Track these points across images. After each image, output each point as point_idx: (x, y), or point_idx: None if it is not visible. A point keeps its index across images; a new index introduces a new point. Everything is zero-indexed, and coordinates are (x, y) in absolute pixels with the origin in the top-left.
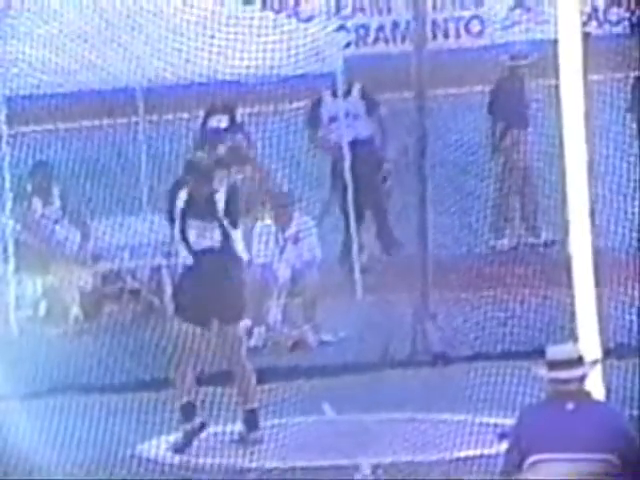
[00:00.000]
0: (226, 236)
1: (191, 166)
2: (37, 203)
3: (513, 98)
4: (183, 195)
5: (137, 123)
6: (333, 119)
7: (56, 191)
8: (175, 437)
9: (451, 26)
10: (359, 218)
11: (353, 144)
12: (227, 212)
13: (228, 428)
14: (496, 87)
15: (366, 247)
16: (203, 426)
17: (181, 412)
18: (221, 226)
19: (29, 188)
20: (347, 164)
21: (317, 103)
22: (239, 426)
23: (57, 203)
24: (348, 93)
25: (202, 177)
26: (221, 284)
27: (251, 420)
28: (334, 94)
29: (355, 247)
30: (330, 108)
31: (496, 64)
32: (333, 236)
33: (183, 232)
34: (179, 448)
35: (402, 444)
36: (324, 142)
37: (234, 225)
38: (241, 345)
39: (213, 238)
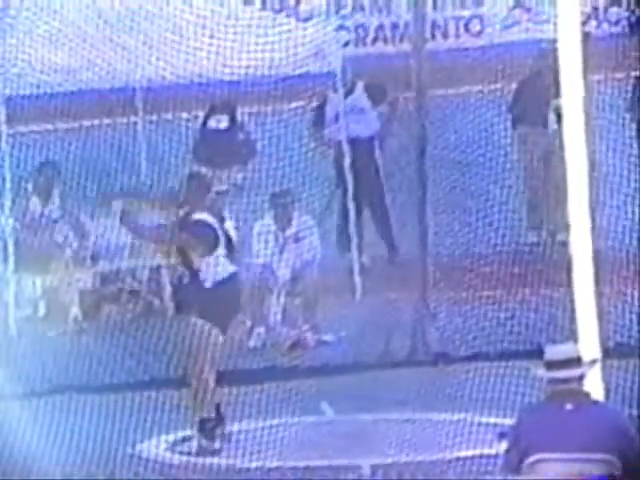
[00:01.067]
0: None
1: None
2: (36, 202)
3: (535, 97)
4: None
5: (136, 123)
6: (338, 116)
7: (55, 190)
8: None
9: (451, 26)
10: (362, 216)
11: (358, 140)
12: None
13: (227, 428)
14: (520, 86)
15: (368, 247)
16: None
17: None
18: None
19: (29, 188)
20: (350, 161)
21: (322, 104)
22: (237, 426)
23: (56, 203)
24: (351, 90)
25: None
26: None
27: (207, 429)
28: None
29: (354, 246)
30: (335, 106)
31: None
32: (335, 235)
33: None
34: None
35: (401, 444)
36: (329, 140)
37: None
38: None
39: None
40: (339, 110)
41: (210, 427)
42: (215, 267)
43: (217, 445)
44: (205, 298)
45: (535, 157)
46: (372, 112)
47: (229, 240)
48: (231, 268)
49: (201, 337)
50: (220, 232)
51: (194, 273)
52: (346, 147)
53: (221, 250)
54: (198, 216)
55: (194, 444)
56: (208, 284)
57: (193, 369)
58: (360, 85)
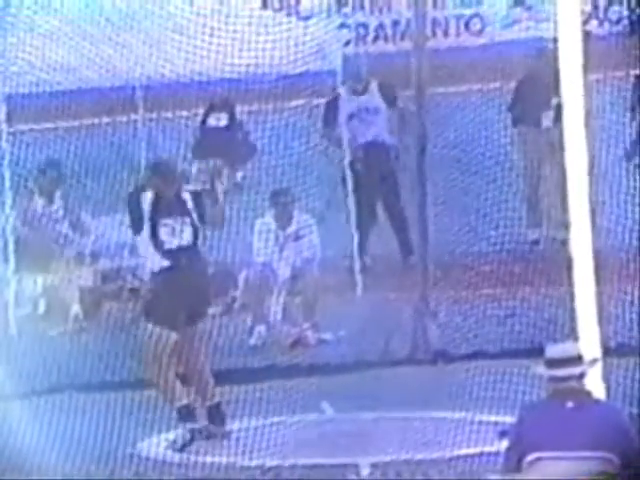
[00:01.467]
0: (196, 235)
1: (157, 167)
2: (37, 201)
3: (536, 94)
4: (149, 196)
5: (136, 121)
6: (351, 116)
7: (56, 189)
8: (177, 436)
9: (451, 24)
10: (373, 216)
11: (374, 141)
12: (196, 210)
13: (227, 426)
14: (519, 84)
15: (370, 246)
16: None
17: (179, 414)
18: (192, 224)
19: (29, 186)
20: (365, 162)
21: (333, 101)
22: (237, 424)
23: (57, 201)
24: (365, 90)
25: (168, 177)
26: (190, 283)
27: (216, 415)
28: (353, 91)
29: (355, 245)
30: (348, 105)
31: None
32: (340, 234)
33: (153, 233)
34: (180, 448)
35: (402, 442)
36: (341, 140)
37: (202, 223)
38: (202, 344)
39: (182, 237)
40: (356, 107)
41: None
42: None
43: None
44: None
45: (535, 156)
46: (386, 112)
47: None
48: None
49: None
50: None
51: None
52: (360, 148)
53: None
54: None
55: (184, 434)
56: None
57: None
58: (374, 85)
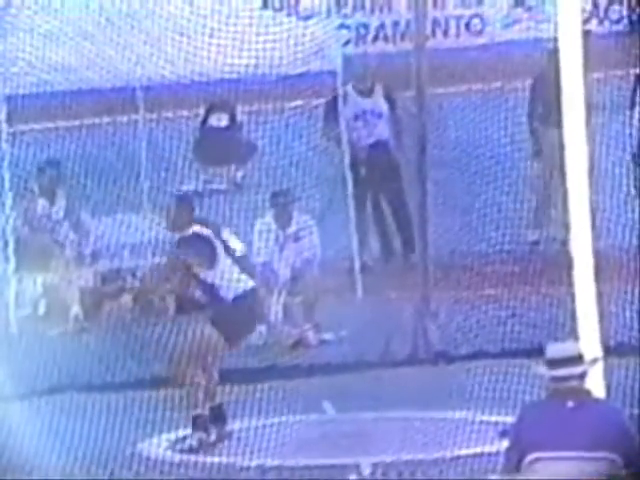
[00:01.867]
0: None
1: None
2: (38, 201)
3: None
4: None
5: (137, 121)
6: (356, 117)
7: (56, 189)
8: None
9: (452, 24)
10: (373, 216)
11: (376, 143)
12: None
13: (228, 426)
14: (534, 83)
15: (371, 246)
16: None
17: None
18: None
19: (30, 186)
20: (369, 162)
21: (333, 101)
22: (238, 424)
23: (57, 201)
24: (370, 92)
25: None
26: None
27: (218, 416)
28: (358, 93)
29: (355, 245)
30: (354, 106)
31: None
32: (341, 234)
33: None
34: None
35: (403, 442)
36: (341, 139)
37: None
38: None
39: None
40: (357, 111)
41: (204, 423)
42: (235, 282)
43: (212, 439)
44: (224, 312)
45: (551, 156)
46: (390, 116)
47: (228, 249)
48: (251, 283)
49: (208, 347)
50: (217, 242)
51: (208, 287)
52: (364, 149)
53: (225, 260)
54: (192, 229)
55: (192, 441)
56: (227, 298)
57: (191, 370)
58: (379, 88)
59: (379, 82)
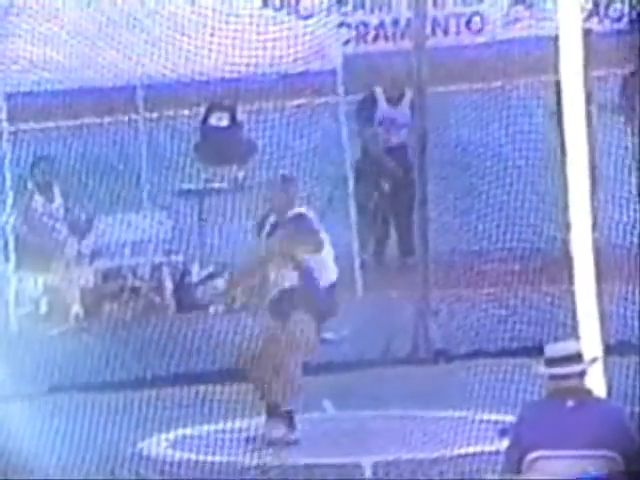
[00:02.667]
0: None
1: None
2: (38, 200)
3: None
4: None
5: (137, 120)
6: (380, 123)
7: (57, 188)
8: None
9: (452, 23)
10: (374, 216)
11: (395, 148)
12: None
13: (228, 426)
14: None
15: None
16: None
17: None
18: None
19: (30, 185)
20: (389, 166)
21: (367, 100)
22: (239, 423)
23: (58, 200)
24: (399, 101)
25: None
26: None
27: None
28: (388, 100)
29: (356, 245)
30: (380, 110)
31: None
32: (341, 233)
33: None
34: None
35: (403, 441)
36: (378, 137)
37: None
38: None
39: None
40: (382, 117)
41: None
42: (325, 270)
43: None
44: (317, 300)
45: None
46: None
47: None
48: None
49: (294, 334)
50: (321, 226)
51: (308, 272)
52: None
53: (328, 248)
54: (296, 210)
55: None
56: (324, 285)
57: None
58: (408, 97)
59: (409, 90)
